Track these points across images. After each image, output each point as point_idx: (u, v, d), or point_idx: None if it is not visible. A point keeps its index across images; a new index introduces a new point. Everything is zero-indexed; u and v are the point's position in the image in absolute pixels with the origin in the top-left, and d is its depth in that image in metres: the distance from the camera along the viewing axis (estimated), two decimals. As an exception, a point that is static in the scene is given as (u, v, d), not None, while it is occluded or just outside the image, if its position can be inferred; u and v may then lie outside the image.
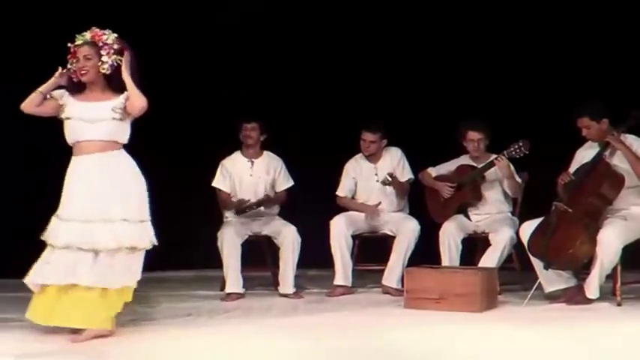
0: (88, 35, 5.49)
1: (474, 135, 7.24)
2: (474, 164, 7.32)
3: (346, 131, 7.73)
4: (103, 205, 5.34)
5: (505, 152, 7.00)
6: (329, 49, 8.56)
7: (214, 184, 7.46)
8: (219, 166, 7.49)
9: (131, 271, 5.41)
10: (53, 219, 5.41)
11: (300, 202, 7.61)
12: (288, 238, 7.16)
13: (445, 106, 8.22)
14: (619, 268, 6.27)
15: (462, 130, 7.28)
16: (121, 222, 5.35)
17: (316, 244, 7.28)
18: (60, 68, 5.45)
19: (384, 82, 8.44)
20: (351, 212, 7.47)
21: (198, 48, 8.41)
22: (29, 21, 8.18)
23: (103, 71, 5.45)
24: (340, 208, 7.54)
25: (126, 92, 5.44)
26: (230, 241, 7.10)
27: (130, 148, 5.58)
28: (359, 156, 7.61)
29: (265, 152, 7.53)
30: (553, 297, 6.44)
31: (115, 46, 5.47)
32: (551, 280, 6.44)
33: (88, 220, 5.31)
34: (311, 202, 7.68)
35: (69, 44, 5.49)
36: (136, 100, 5.40)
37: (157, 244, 5.48)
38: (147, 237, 5.45)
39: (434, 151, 7.67)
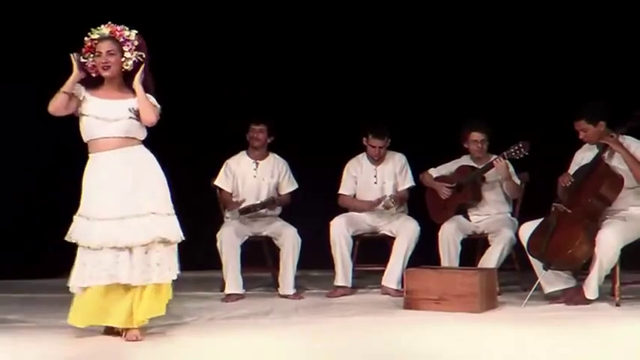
0: (105, 30, 5.45)
1: (477, 136, 7.25)
2: (475, 165, 7.34)
3: (347, 132, 7.74)
4: (130, 200, 5.33)
5: (505, 153, 7.02)
6: (329, 49, 8.56)
7: (216, 182, 7.47)
8: (224, 165, 7.49)
9: (168, 265, 5.40)
10: (78, 219, 5.38)
11: (300, 203, 7.62)
12: (288, 239, 7.17)
13: (446, 107, 8.24)
14: (618, 268, 6.28)
15: (465, 130, 7.29)
16: (150, 215, 5.34)
17: (316, 245, 7.30)
18: (74, 55, 5.37)
19: (384, 82, 8.44)
20: (351, 213, 7.49)
21: (201, 48, 8.41)
22: (42, 20, 8.25)
23: (126, 67, 5.44)
24: (340, 209, 7.55)
25: (142, 95, 5.43)
26: (229, 242, 7.11)
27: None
28: (361, 156, 7.61)
29: (271, 154, 7.53)
30: (552, 297, 6.46)
31: (136, 43, 5.46)
32: (551, 280, 6.46)
33: (120, 217, 5.29)
34: (311, 203, 7.69)
35: (86, 38, 5.44)
36: (146, 115, 5.38)
37: (184, 238, 5.49)
38: (176, 230, 5.45)
39: (435, 151, 7.68)
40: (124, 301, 5.31)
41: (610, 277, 6.35)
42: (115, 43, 5.42)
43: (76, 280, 5.33)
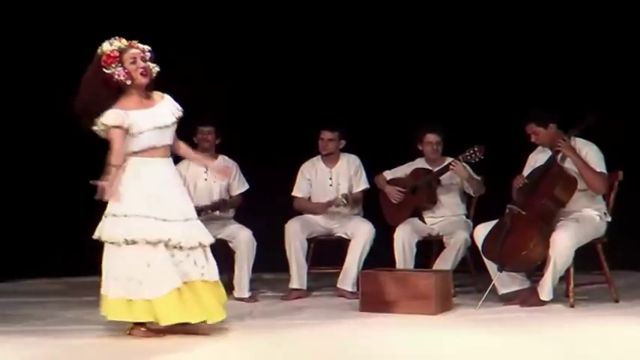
0: (122, 43, 5.43)
1: (432, 137, 7.27)
2: (429, 168, 7.35)
3: (303, 134, 7.72)
4: (184, 206, 5.54)
5: (460, 157, 7.05)
6: (282, 46, 8.52)
7: (167, 187, 7.41)
8: (174, 170, 7.44)
9: (213, 265, 5.55)
10: (143, 219, 5.33)
11: (255, 205, 7.59)
12: (243, 242, 7.13)
13: (402, 109, 8.28)
14: (572, 270, 6.32)
15: (421, 132, 7.30)
16: (195, 220, 5.56)
17: (271, 248, 7.27)
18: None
19: (339, 83, 8.46)
20: (306, 215, 7.47)
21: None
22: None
23: (154, 75, 5.48)
24: (295, 212, 7.53)
25: (167, 95, 5.60)
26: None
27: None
28: (316, 158, 7.61)
29: (220, 156, 7.49)
30: (507, 299, 6.48)
31: (150, 54, 5.50)
32: (505, 282, 6.49)
33: (186, 219, 5.47)
34: (266, 206, 7.67)
35: (107, 49, 5.38)
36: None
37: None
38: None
39: (391, 153, 7.69)
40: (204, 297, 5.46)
41: (564, 278, 6.39)
42: (141, 51, 5.46)
43: (166, 282, 5.32)
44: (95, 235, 5.44)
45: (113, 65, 5.36)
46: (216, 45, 8.57)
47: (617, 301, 6.50)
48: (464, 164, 7.07)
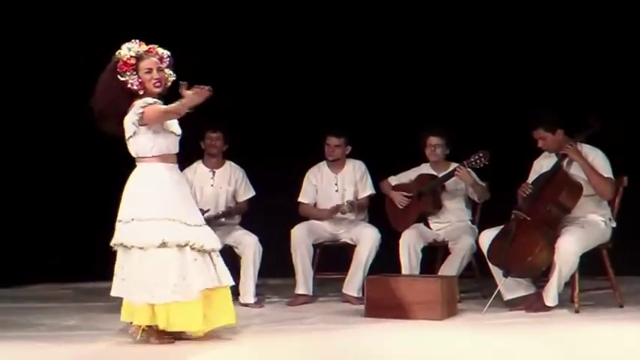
0: (141, 48, 5.43)
1: (432, 140, 7.28)
2: (434, 173, 7.36)
3: (309, 140, 7.74)
4: (197, 212, 5.62)
5: (465, 162, 7.05)
6: (288, 54, 8.51)
7: (174, 194, 7.43)
8: (181, 176, 7.47)
9: (226, 269, 5.59)
10: (168, 222, 5.33)
11: (261, 211, 7.60)
12: (249, 248, 7.14)
13: (407, 115, 8.25)
14: (577, 275, 6.33)
15: (424, 135, 7.32)
16: (205, 226, 5.59)
17: (277, 253, 7.28)
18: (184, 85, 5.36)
19: (344, 90, 8.45)
20: (311, 221, 7.48)
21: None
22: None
23: (169, 84, 5.50)
24: (301, 217, 7.54)
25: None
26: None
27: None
28: (322, 164, 7.62)
29: (227, 162, 7.52)
30: (512, 304, 6.48)
31: (168, 60, 5.51)
32: (511, 287, 6.49)
33: (201, 224, 5.52)
34: (272, 212, 7.68)
35: (124, 55, 5.39)
36: None
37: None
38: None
39: (396, 159, 7.69)
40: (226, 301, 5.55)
41: (569, 284, 6.39)
42: (157, 59, 5.46)
43: (197, 284, 5.33)
44: (116, 242, 5.40)
45: (128, 73, 5.38)
46: (223, 50, 8.56)
47: (622, 306, 6.50)
48: (469, 170, 7.07)
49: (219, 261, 5.51)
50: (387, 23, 8.52)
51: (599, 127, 6.45)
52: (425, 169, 7.45)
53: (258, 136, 8.38)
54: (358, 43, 8.52)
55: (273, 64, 8.48)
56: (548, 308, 6.29)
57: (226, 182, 7.45)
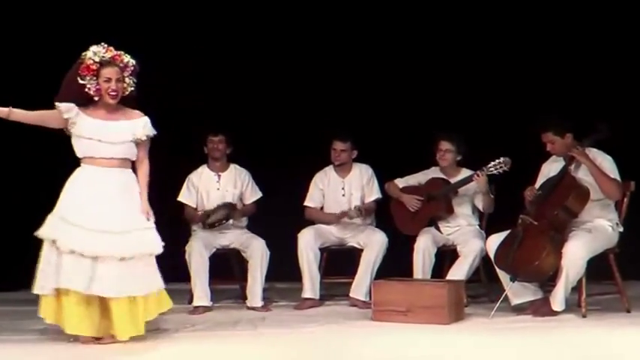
0: (107, 54, 5.51)
1: (444, 144, 7.27)
2: (446, 178, 7.33)
3: (315, 143, 7.73)
4: (127, 217, 5.51)
5: (484, 168, 7.01)
6: (292, 57, 8.51)
7: (180, 198, 7.46)
8: (186, 180, 7.48)
9: (154, 276, 5.58)
10: (59, 221, 5.45)
11: (268, 214, 7.60)
12: (256, 251, 7.15)
13: (414, 119, 8.26)
14: (584, 280, 6.32)
15: (436, 138, 7.31)
16: (142, 230, 5.54)
17: (284, 257, 7.28)
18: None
19: (350, 94, 8.46)
20: (318, 225, 7.48)
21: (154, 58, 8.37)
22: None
23: (127, 93, 5.56)
24: (308, 221, 7.55)
25: (145, 118, 5.65)
26: (198, 254, 7.08)
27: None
28: (328, 168, 7.62)
29: (232, 165, 7.53)
30: (520, 309, 6.48)
31: (132, 68, 5.58)
32: (518, 292, 6.48)
33: (121, 232, 5.45)
34: (279, 215, 7.68)
35: (89, 58, 5.48)
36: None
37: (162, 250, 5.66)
38: (158, 242, 5.62)
39: (402, 163, 7.68)
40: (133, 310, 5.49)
41: (576, 288, 6.39)
42: (120, 68, 5.53)
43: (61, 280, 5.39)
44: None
45: (88, 77, 5.50)
46: (230, 52, 8.58)
47: (629, 311, 6.49)
48: (486, 179, 7.05)
49: (108, 269, 5.42)
50: (393, 26, 8.52)
51: (607, 132, 6.45)
52: (434, 172, 7.43)
53: (264, 139, 8.40)
54: (364, 45, 8.51)
55: (280, 66, 8.49)
56: (556, 313, 6.29)
57: (232, 185, 7.45)
